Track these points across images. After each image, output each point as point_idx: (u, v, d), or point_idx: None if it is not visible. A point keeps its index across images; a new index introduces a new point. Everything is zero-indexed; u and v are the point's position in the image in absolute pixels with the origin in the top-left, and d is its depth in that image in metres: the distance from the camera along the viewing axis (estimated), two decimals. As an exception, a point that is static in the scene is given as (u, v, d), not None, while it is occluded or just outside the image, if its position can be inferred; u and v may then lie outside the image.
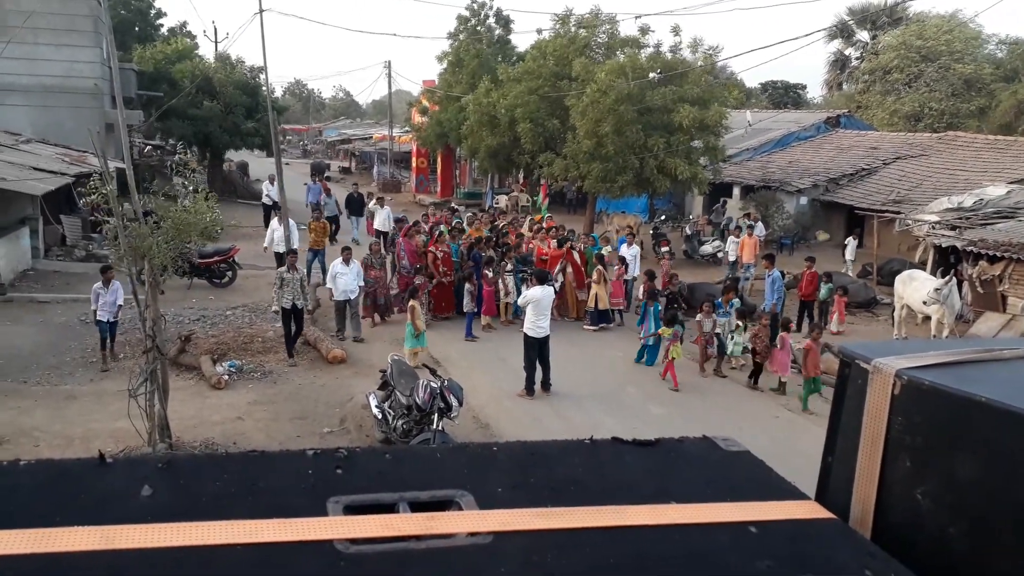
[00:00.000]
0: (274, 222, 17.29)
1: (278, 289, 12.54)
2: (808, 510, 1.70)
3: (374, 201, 24.00)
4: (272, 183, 24.40)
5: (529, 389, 11.33)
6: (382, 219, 23.00)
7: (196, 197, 9.53)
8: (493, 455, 1.80)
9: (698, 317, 12.90)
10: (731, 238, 20.13)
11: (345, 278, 13.63)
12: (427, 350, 12.15)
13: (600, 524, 1.52)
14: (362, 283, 14.00)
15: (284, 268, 12.73)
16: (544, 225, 18.02)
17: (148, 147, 33.04)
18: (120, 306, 12.14)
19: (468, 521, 1.50)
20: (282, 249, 16.02)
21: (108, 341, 12.11)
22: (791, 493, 1.77)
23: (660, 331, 12.67)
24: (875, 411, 1.80)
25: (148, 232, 8.53)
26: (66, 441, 9.06)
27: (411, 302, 12.29)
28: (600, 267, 14.97)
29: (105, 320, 11.94)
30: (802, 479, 1.93)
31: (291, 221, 16.91)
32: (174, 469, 1.67)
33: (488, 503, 1.57)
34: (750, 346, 12.13)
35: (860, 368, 1.85)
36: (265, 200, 25.10)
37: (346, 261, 13.75)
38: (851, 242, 21.04)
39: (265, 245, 17.47)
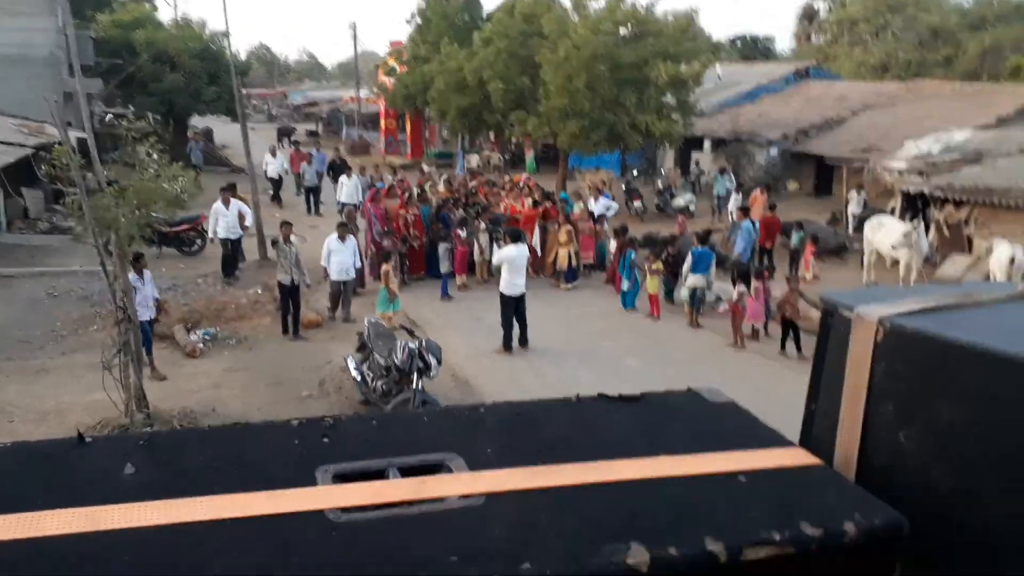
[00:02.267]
0: (216, 204, 15.00)
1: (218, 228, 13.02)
2: (795, 457, 1.71)
3: (268, 149, 23.88)
4: (274, 155, 23.73)
5: (507, 346, 11.39)
6: (350, 190, 22.39)
7: (160, 164, 9.30)
8: (480, 417, 1.79)
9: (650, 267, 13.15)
10: (734, 196, 19.42)
11: (342, 255, 12.60)
12: (402, 314, 12.14)
13: (591, 480, 1.52)
14: (359, 263, 13.22)
15: (279, 238, 12.14)
16: (521, 185, 17.88)
17: (109, 115, 32.20)
18: (158, 299, 11.03)
19: (459, 484, 1.49)
20: (232, 236, 14.95)
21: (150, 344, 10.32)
22: (777, 441, 1.78)
23: (653, 267, 13.07)
24: (858, 358, 1.80)
25: (112, 203, 8.34)
26: (40, 416, 8.94)
27: (384, 267, 12.20)
28: (568, 226, 14.98)
29: (147, 319, 10.18)
30: (783, 425, 1.94)
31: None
32: (156, 445, 1.63)
33: (478, 465, 1.56)
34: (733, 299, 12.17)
35: (843, 316, 1.85)
36: (271, 174, 23.43)
37: (342, 237, 12.70)
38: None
39: (210, 235, 15.36)
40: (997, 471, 1.52)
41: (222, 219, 14.91)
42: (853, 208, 19.52)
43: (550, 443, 1.67)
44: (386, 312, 11.72)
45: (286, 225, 12.39)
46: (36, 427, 8.57)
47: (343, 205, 18.72)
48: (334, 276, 12.63)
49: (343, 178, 20.14)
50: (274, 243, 12.56)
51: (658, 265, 13.22)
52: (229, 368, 10.67)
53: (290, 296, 11.96)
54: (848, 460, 1.82)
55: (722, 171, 22.78)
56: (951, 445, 1.61)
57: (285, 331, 12.04)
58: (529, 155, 28.54)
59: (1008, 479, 1.50)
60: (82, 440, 1.60)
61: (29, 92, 22.65)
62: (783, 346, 11.40)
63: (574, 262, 14.98)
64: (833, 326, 1.88)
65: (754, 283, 11.73)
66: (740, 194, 19.28)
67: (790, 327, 11.32)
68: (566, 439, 1.70)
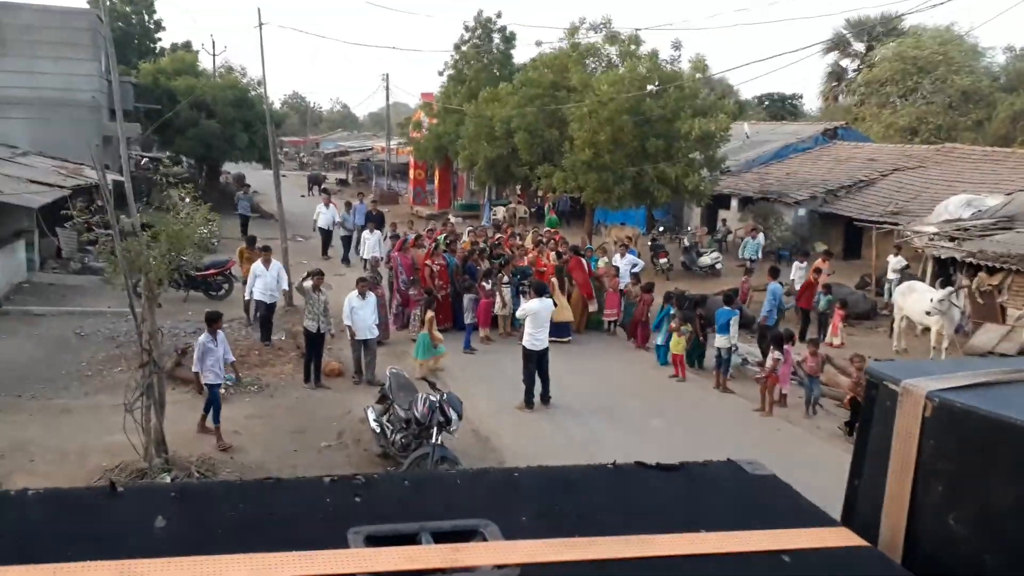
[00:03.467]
0: (256, 265, 14.26)
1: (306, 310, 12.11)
2: (840, 537, 1.66)
3: (321, 200, 23.60)
4: (327, 206, 23.06)
5: (528, 402, 11.29)
6: (327, 219, 22.45)
7: (191, 208, 9.49)
8: (515, 481, 1.76)
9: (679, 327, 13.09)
10: (796, 263, 17.99)
11: (361, 313, 12.19)
12: (444, 358, 12.62)
13: (629, 555, 1.48)
14: (378, 320, 12.77)
15: (309, 284, 12.15)
16: (545, 238, 17.98)
17: (145, 159, 33.07)
18: (232, 362, 10.43)
19: (494, 553, 1.45)
20: (267, 299, 14.13)
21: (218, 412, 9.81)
22: (821, 519, 1.72)
23: (676, 327, 13.06)
24: (905, 434, 1.76)
25: (144, 246, 8.49)
26: (60, 456, 8.97)
27: (428, 313, 12.61)
28: (554, 278, 15.06)
29: (218, 384, 9.86)
30: (812, 495, 1.88)
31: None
32: (187, 497, 1.62)
33: (513, 533, 1.52)
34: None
35: (888, 389, 1.81)
36: (321, 223, 22.89)
37: (362, 294, 12.26)
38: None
39: (246, 296, 14.78)
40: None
41: (259, 281, 14.12)
42: (891, 273, 18.55)
43: (587, 512, 1.64)
44: (426, 360, 12.12)
45: (318, 275, 12.36)
46: (56, 468, 8.60)
47: (366, 261, 18.44)
48: (360, 335, 12.20)
49: (365, 233, 19.80)
50: (301, 289, 12.64)
51: (687, 326, 13.12)
52: (250, 415, 10.67)
53: (315, 344, 11.99)
54: (894, 542, 1.76)
55: (753, 232, 22.63)
56: (1006, 530, 1.55)
57: (307, 379, 12.04)
58: (552, 214, 28.96)
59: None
60: (114, 489, 1.60)
61: (70, 134, 23.44)
62: (851, 430, 10.28)
63: (560, 317, 14.68)
64: (878, 399, 1.84)
65: (785, 346, 11.59)
66: (805, 263, 17.52)
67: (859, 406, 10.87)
68: (603, 508, 1.66)
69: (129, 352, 12.35)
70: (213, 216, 10.09)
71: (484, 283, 14.64)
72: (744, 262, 21.23)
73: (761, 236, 22.31)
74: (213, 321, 9.91)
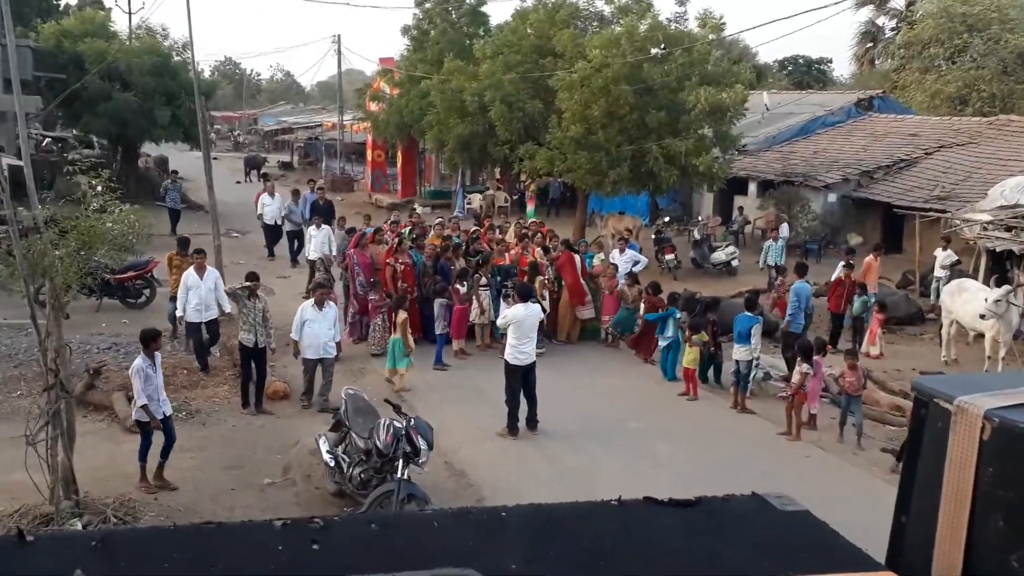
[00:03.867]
0: (187, 274, 13.38)
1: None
2: (885, 583, 1.68)
3: (265, 189, 23.18)
4: (272, 195, 22.74)
5: (512, 427, 11.31)
6: (274, 212, 22.23)
7: (105, 199, 9.40)
8: (502, 522, 1.77)
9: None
10: (840, 264, 17.00)
11: (316, 327, 11.98)
12: (410, 373, 12.81)
13: (640, 608, 1.50)
14: (339, 337, 12.51)
15: (238, 287, 12.07)
16: (530, 231, 18.01)
17: (47, 139, 32.74)
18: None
19: (479, 609, 1.46)
20: (205, 318, 13.42)
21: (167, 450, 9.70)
22: (863, 562, 1.74)
23: (687, 337, 13.15)
24: (960, 460, 1.78)
25: (49, 244, 8.42)
26: (-53, 499, 8.85)
27: (401, 314, 12.75)
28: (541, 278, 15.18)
29: (167, 414, 9.79)
30: (851, 534, 1.91)
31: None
32: (111, 547, 1.61)
33: (501, 584, 1.53)
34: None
35: (940, 408, 1.84)
36: (267, 219, 22.64)
37: (319, 303, 12.11)
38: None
39: (179, 312, 13.58)
40: None
41: (193, 294, 13.09)
42: (938, 270, 18.62)
43: (587, 558, 1.65)
44: (397, 368, 12.38)
45: (253, 278, 12.29)
46: (-56, 512, 8.48)
47: (312, 262, 18.29)
48: (308, 353, 12.02)
49: (311, 229, 18.84)
50: (233, 295, 12.50)
51: (700, 335, 13.14)
52: (178, 447, 10.58)
53: (253, 360, 11.91)
54: (948, 586, 1.79)
55: (775, 233, 21.55)
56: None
57: (246, 403, 11.94)
58: (531, 205, 29.08)
59: None
60: (23, 539, 1.59)
61: (-47, 111, 23.15)
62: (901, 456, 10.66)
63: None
64: (928, 420, 1.87)
65: (815, 358, 11.62)
66: (847, 262, 16.69)
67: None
68: (607, 553, 1.67)
69: (30, 373, 12.22)
70: (137, 212, 10.01)
71: (459, 285, 14.65)
72: (768, 268, 20.02)
73: (785, 228, 22.41)
74: (151, 340, 9.56)
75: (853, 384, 11.32)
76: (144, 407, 9.39)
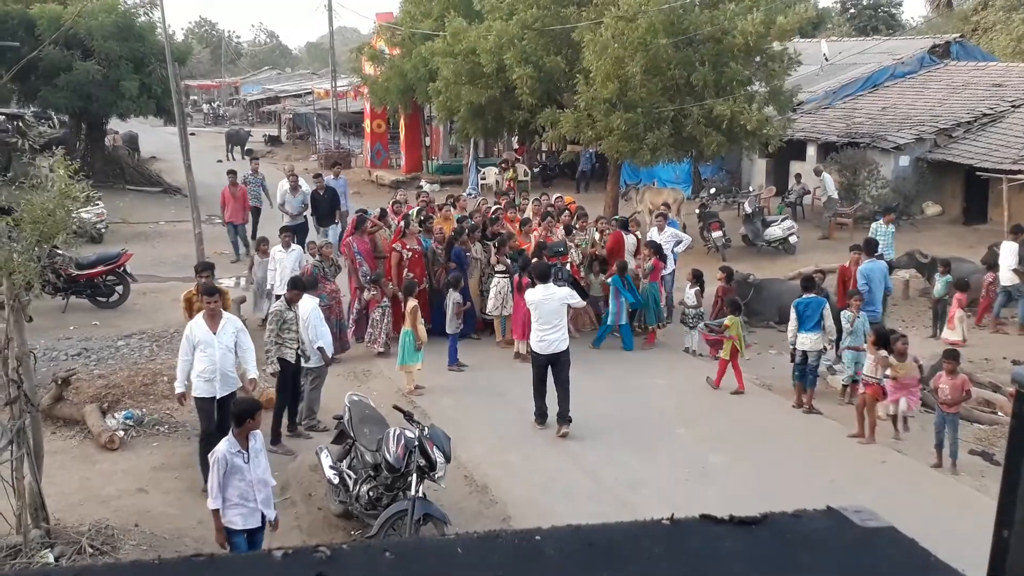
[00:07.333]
0: (195, 321, 10.28)
1: (275, 335, 11.08)
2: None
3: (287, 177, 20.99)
4: (296, 187, 20.40)
5: (538, 417, 11.69)
6: (288, 267, 17.98)
7: (59, 179, 9.37)
8: (536, 547, 1.75)
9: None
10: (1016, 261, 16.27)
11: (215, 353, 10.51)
12: (419, 369, 12.92)
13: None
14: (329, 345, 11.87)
15: (282, 303, 11.61)
16: (555, 209, 18.02)
17: (1, 117, 33.00)
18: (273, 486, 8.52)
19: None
20: (223, 391, 10.11)
21: None
22: (959, 585, 1.72)
23: (726, 322, 13.40)
24: (1073, 465, 1.76)
25: (5, 236, 8.48)
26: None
27: (411, 302, 12.84)
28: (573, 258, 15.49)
29: (254, 529, 8.03)
30: (943, 552, 1.88)
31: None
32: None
33: (538, 621, 1.52)
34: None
35: (1048, 404, 1.81)
36: (291, 210, 20.40)
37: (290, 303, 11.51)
38: None
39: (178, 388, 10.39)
40: None
41: (201, 355, 10.11)
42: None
43: (638, 588, 1.63)
44: (408, 365, 12.63)
45: (205, 268, 12.59)
46: None
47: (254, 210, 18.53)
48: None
49: (276, 250, 15.53)
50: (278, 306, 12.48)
51: (733, 316, 13.45)
52: (160, 466, 10.69)
53: (293, 380, 11.72)
54: (1061, 612, 1.77)
55: (887, 217, 19.26)
56: None
57: (277, 439, 11.73)
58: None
59: None
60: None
61: None
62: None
63: None
64: (1033, 418, 1.83)
65: (898, 347, 11.37)
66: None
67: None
68: (661, 582, 1.65)
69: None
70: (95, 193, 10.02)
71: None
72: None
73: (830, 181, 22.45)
74: (247, 416, 7.68)
75: (950, 393, 10.58)
76: (216, 512, 7.69)
